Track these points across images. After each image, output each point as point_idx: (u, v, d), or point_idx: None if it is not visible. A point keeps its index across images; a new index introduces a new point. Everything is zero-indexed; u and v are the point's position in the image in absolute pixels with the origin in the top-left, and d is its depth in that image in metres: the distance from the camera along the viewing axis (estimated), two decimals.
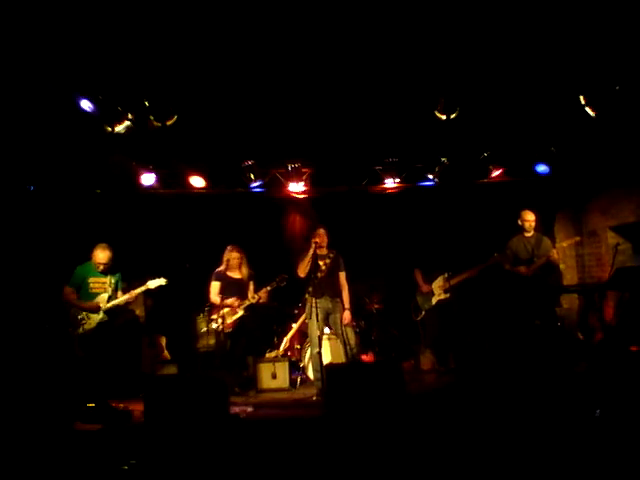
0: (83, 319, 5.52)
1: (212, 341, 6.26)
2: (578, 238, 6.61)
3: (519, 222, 6.29)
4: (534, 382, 5.00)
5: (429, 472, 3.33)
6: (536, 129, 6.37)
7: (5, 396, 4.92)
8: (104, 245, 5.61)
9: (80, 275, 5.59)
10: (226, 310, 5.99)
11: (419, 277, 6.71)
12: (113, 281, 5.67)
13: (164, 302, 7.12)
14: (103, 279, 5.61)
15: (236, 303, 6.02)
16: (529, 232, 6.25)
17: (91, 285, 5.59)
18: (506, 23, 4.59)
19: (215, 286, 6.14)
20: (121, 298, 5.63)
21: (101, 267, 5.57)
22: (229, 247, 6.22)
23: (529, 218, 6.23)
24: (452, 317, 6.43)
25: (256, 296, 6.07)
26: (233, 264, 6.15)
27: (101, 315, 5.54)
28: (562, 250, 6.17)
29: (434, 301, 6.54)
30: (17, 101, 5.05)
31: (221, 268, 6.19)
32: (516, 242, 6.32)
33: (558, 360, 5.68)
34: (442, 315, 6.48)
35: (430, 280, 6.60)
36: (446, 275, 6.46)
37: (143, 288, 5.68)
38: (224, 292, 6.11)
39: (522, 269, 6.17)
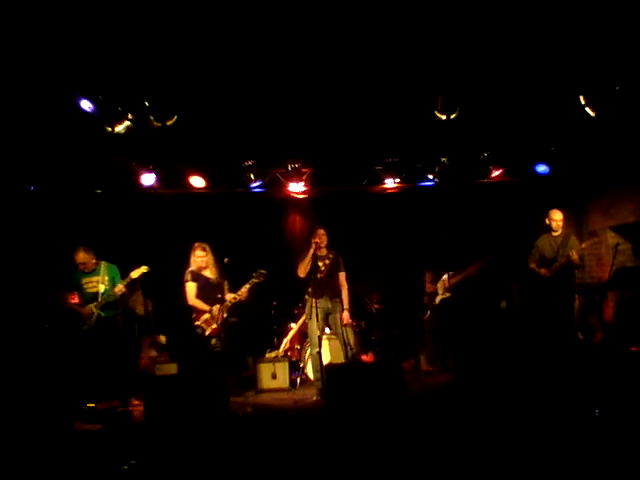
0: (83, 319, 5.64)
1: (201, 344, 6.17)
2: (597, 239, 6.54)
3: (547, 221, 6.25)
4: (534, 382, 4.99)
5: (429, 472, 3.33)
6: (536, 129, 6.37)
7: (5, 396, 4.92)
8: (80, 247, 5.70)
9: (74, 280, 5.75)
10: (208, 315, 5.78)
11: (428, 278, 6.77)
12: (107, 278, 5.75)
13: (164, 302, 7.12)
14: (95, 278, 5.73)
15: (216, 312, 5.74)
16: (556, 231, 6.20)
17: (85, 286, 5.74)
18: (506, 23, 4.59)
19: (192, 287, 5.85)
20: (110, 293, 5.67)
21: (82, 268, 5.71)
22: (193, 245, 5.93)
23: (556, 217, 6.17)
24: (453, 315, 6.46)
25: (236, 296, 5.81)
26: (200, 264, 5.88)
27: (96, 314, 5.63)
28: (580, 251, 6.09)
29: (437, 300, 6.62)
30: (17, 101, 5.05)
31: (193, 267, 5.92)
32: (542, 241, 6.29)
33: (559, 360, 5.67)
34: (444, 314, 6.54)
35: (437, 280, 6.66)
36: (448, 274, 6.52)
37: (127, 280, 5.72)
38: (202, 293, 5.84)
39: (542, 271, 6.14)
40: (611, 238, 7.35)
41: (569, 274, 6.17)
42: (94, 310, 5.63)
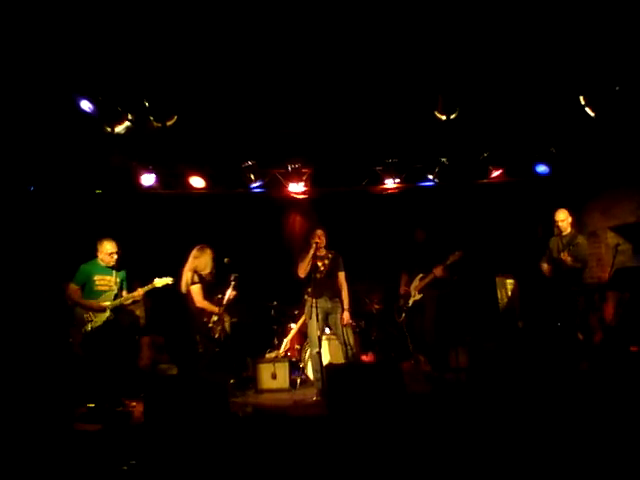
0: (89, 317, 5.38)
1: (205, 344, 6.15)
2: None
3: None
4: (536, 382, 4.99)
5: (429, 472, 3.33)
6: (536, 129, 6.37)
7: (5, 396, 4.92)
8: (109, 238, 5.47)
9: (85, 272, 5.43)
10: (217, 317, 5.70)
11: (403, 280, 6.87)
12: (118, 280, 5.52)
13: (164, 302, 7.12)
14: (109, 277, 5.47)
15: (221, 310, 5.70)
16: (563, 231, 6.13)
17: (97, 283, 5.42)
18: (506, 23, 4.60)
19: (198, 288, 5.67)
20: (127, 296, 5.51)
21: (110, 259, 5.42)
22: (202, 246, 5.80)
23: (558, 218, 6.13)
24: (428, 316, 6.56)
25: (225, 298, 5.70)
26: (209, 264, 5.74)
27: (107, 314, 5.40)
28: (573, 252, 6.07)
29: (411, 302, 6.71)
30: (17, 101, 5.06)
31: (195, 269, 5.78)
32: (552, 242, 6.27)
33: (561, 360, 5.67)
34: (417, 315, 6.65)
35: (411, 283, 6.79)
36: (421, 276, 6.67)
37: (150, 286, 5.55)
38: (206, 294, 5.72)
39: (545, 266, 6.15)
40: (611, 238, 7.35)
41: (572, 275, 6.07)
42: (108, 306, 5.37)
